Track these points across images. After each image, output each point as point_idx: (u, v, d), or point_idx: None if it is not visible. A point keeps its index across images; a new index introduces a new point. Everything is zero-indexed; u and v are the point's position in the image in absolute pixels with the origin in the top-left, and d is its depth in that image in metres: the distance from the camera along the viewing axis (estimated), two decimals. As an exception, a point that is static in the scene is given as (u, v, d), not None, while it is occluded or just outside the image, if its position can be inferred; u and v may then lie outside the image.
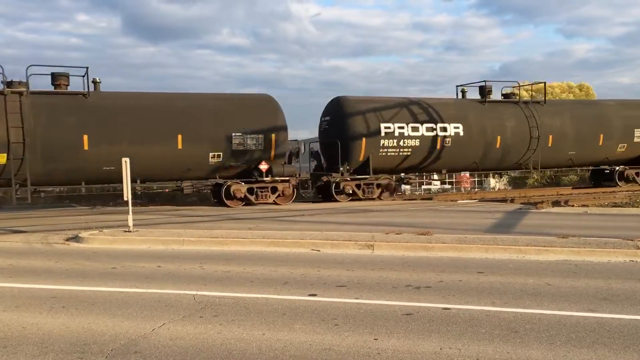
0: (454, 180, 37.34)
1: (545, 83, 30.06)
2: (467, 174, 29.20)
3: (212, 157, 21.96)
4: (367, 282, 8.79)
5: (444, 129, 25.38)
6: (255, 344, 5.98)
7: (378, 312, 7.08)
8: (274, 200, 23.02)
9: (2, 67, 20.06)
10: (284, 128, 23.33)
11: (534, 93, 49.30)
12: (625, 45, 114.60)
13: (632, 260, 10.17)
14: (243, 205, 22.50)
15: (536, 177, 34.10)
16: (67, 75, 21.00)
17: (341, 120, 24.47)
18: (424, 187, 35.18)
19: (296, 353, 5.69)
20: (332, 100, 25.34)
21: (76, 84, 21.13)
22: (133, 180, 17.16)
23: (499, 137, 26.18)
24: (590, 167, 29.51)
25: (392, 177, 25.34)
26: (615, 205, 21.52)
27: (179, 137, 21.33)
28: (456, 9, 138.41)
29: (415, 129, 24.88)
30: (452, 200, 24.62)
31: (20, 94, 19.86)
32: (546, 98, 29.52)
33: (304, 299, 7.83)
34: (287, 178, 23.11)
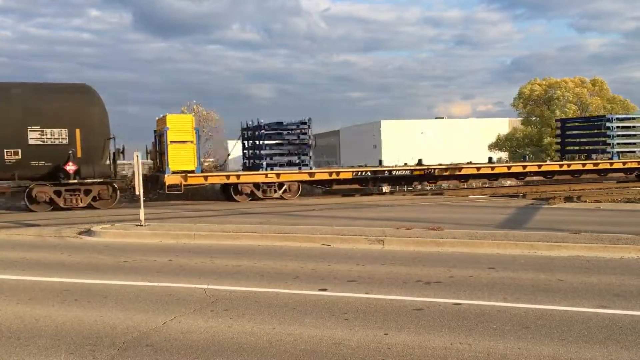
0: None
1: None
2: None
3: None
4: (377, 277, 8.78)
5: None
6: (265, 338, 6.00)
7: (388, 307, 7.07)
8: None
9: None
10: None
11: (547, 87, 48.92)
12: (638, 40, 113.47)
13: (646, 257, 10.08)
14: None
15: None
16: None
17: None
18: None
19: (306, 347, 5.70)
20: None
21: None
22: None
23: None
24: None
25: None
26: (628, 201, 21.38)
27: None
28: (467, 4, 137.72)
29: None
30: (463, 196, 24.52)
31: None
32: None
33: (314, 294, 7.84)
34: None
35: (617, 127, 28.29)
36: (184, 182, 21.48)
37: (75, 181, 20.31)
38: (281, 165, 23.49)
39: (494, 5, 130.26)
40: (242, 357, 5.47)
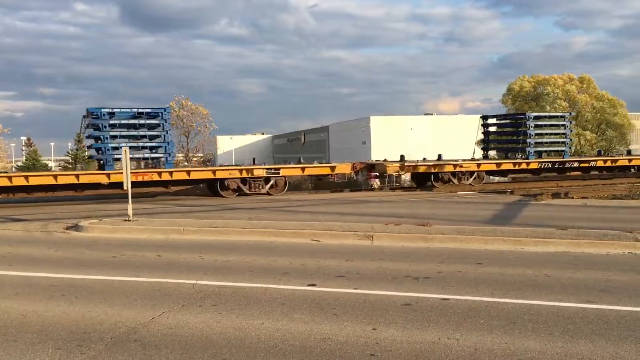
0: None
1: None
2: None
3: None
4: (366, 273, 8.80)
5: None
6: (254, 333, 6.00)
7: (377, 302, 7.09)
8: None
9: None
10: None
11: (536, 84, 49.24)
12: (624, 38, 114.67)
13: (631, 253, 10.18)
14: None
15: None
16: None
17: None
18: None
19: (295, 342, 5.70)
20: None
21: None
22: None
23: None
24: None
25: None
26: (614, 197, 21.55)
27: None
28: (455, 1, 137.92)
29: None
30: (451, 192, 24.62)
31: None
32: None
33: (303, 289, 7.84)
34: None
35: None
36: None
37: None
38: None
39: (481, 3, 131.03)
40: (231, 352, 5.47)
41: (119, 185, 19.04)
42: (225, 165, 25.64)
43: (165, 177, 21.69)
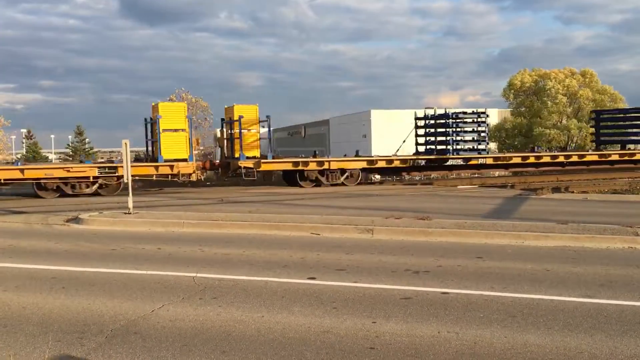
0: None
1: None
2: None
3: None
4: (366, 266, 8.81)
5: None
6: (254, 326, 6.01)
7: (377, 296, 7.10)
8: None
9: None
10: None
11: (537, 78, 49.11)
12: (623, 33, 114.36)
13: (631, 247, 10.19)
14: None
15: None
16: None
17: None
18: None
19: (295, 335, 5.71)
20: None
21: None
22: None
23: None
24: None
25: None
26: (615, 192, 21.55)
27: None
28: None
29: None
30: (452, 186, 24.62)
31: None
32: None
33: (303, 282, 7.85)
34: None
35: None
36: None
37: None
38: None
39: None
40: (231, 345, 5.48)
41: None
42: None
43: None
